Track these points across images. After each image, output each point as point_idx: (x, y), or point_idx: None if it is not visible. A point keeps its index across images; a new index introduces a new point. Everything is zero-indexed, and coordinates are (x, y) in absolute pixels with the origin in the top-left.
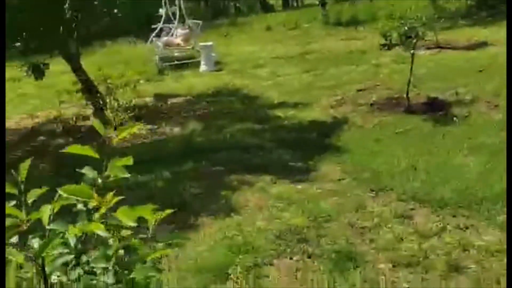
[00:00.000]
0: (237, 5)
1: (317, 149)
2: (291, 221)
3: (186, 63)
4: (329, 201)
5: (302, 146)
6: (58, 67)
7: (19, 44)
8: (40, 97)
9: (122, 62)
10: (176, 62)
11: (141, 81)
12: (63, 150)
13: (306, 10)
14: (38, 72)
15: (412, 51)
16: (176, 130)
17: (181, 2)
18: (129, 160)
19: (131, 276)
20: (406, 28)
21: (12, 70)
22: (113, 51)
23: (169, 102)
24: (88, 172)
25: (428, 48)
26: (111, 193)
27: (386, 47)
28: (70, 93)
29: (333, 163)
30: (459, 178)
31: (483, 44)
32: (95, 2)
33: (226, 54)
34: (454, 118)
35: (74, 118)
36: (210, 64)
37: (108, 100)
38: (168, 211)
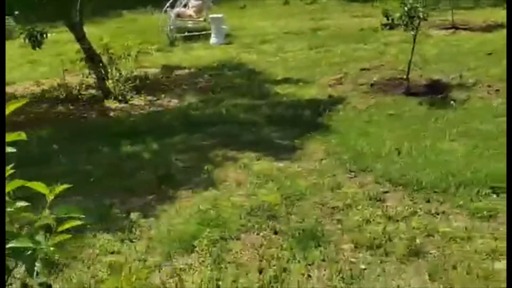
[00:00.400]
0: None
1: (308, 127)
2: (265, 198)
3: (198, 35)
4: (307, 180)
5: (294, 124)
6: (70, 35)
7: (17, 12)
8: (49, 64)
9: (136, 32)
10: (187, 34)
11: (152, 52)
12: None
13: None
14: (35, 41)
15: (413, 33)
16: (174, 102)
17: None
18: (21, 135)
19: (9, 245)
20: (406, 8)
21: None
22: (128, 20)
23: (173, 74)
24: None
25: (444, 28)
26: (8, 167)
27: (388, 27)
28: (73, 62)
29: (319, 142)
30: (442, 163)
31: (500, 26)
32: None
33: (239, 27)
34: (452, 102)
35: (77, 87)
36: (220, 36)
37: (110, 70)
38: (64, 186)
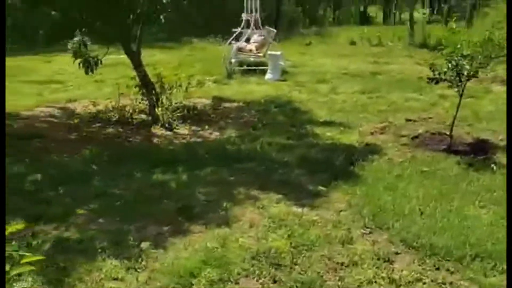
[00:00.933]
0: (336, 13)
1: (337, 174)
2: (273, 243)
3: (255, 70)
4: (320, 230)
5: (325, 169)
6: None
7: (77, 38)
8: (113, 85)
9: (203, 61)
10: (245, 68)
11: (208, 83)
12: None
13: (397, 27)
14: (88, 66)
15: (457, 90)
16: (215, 134)
17: (258, 8)
18: None
19: None
20: (450, 65)
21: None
22: (198, 48)
23: (222, 106)
24: None
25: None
26: None
27: (434, 81)
28: (129, 87)
29: (344, 191)
30: (463, 229)
31: None
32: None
33: (299, 65)
34: (492, 165)
35: (130, 111)
36: (276, 73)
37: (161, 99)
38: (17, 226)
